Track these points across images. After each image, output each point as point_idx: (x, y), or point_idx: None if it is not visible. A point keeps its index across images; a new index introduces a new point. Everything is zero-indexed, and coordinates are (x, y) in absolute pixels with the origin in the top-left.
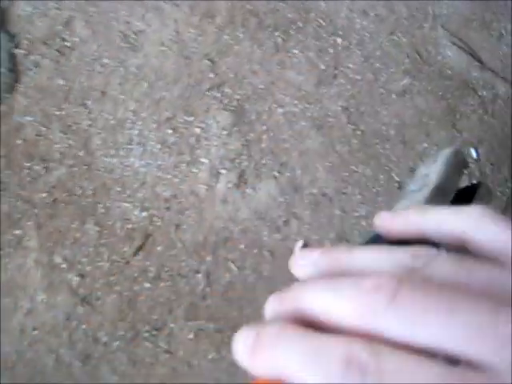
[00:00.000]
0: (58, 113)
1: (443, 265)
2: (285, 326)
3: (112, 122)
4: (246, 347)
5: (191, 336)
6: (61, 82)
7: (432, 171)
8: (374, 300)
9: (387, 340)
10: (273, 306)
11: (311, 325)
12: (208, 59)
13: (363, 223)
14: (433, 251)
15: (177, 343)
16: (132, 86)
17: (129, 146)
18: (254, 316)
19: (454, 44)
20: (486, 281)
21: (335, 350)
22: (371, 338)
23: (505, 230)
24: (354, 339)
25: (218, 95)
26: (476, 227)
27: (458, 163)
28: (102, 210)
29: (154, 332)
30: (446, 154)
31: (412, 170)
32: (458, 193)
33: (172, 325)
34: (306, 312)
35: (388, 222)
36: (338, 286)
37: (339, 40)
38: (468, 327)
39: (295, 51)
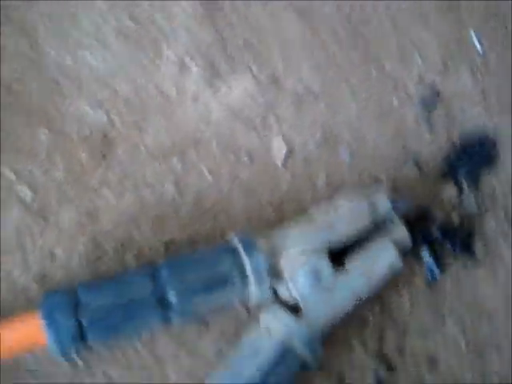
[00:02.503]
0: None
1: None
2: None
3: (57, 10)
4: None
5: (162, 250)
6: None
7: None
8: None
9: None
10: None
11: None
12: None
13: (353, 120)
14: None
15: (145, 258)
16: None
17: (82, 40)
18: (230, 226)
19: None
20: None
21: None
22: None
23: None
24: None
25: None
26: None
27: None
28: (55, 112)
29: (119, 247)
30: None
31: (407, 62)
32: None
33: (139, 239)
34: None
35: None
36: None
37: None
38: None
39: None
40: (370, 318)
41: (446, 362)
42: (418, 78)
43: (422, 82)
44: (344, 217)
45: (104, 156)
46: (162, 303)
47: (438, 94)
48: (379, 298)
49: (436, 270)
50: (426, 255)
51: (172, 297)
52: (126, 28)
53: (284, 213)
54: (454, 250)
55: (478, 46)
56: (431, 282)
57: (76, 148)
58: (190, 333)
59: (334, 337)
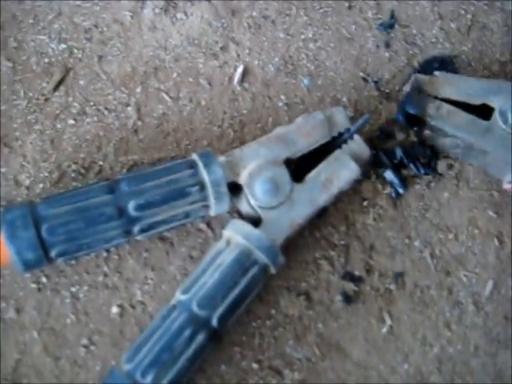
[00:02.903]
0: None
1: None
2: None
3: None
4: None
5: (124, 171)
6: None
7: None
8: None
9: None
10: None
11: None
12: None
13: (311, 46)
14: None
15: None
16: None
17: None
18: (192, 148)
19: None
20: None
21: None
22: None
23: None
24: None
25: None
26: None
27: None
28: (14, 44)
29: (82, 171)
30: None
31: None
32: None
33: (101, 162)
34: None
35: None
36: None
37: None
38: None
39: None
40: (337, 238)
41: (413, 279)
42: (376, 3)
43: (379, 7)
44: (301, 129)
45: (65, 85)
46: (122, 215)
47: (395, 18)
48: (345, 218)
49: (399, 187)
50: (389, 175)
51: (131, 208)
52: None
53: (245, 135)
54: (418, 171)
55: None
56: (395, 199)
57: (37, 78)
58: (158, 254)
59: (301, 258)
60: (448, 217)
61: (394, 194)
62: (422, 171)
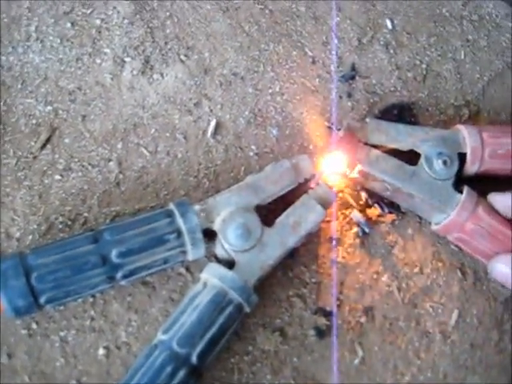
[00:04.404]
0: None
1: None
2: None
3: (5, 20)
4: None
5: (108, 222)
6: None
7: None
8: None
9: None
10: None
11: None
12: None
13: (278, 99)
14: None
15: None
16: None
17: (27, 43)
18: (172, 197)
19: None
20: None
21: None
22: None
23: None
24: None
25: None
26: None
27: None
28: (4, 108)
29: (69, 222)
30: None
31: (325, 44)
32: None
33: (86, 214)
34: None
35: None
36: None
37: None
38: None
39: None
40: (308, 277)
41: (382, 312)
42: (337, 57)
43: (340, 61)
44: (269, 177)
45: (52, 143)
46: (105, 262)
47: (356, 70)
48: (315, 257)
49: (366, 226)
50: (355, 216)
51: (114, 256)
52: (68, 31)
53: (220, 184)
54: (382, 210)
55: (390, 26)
56: (362, 237)
57: (26, 138)
58: (140, 298)
59: (275, 296)
60: (413, 252)
61: (360, 233)
62: (386, 210)
